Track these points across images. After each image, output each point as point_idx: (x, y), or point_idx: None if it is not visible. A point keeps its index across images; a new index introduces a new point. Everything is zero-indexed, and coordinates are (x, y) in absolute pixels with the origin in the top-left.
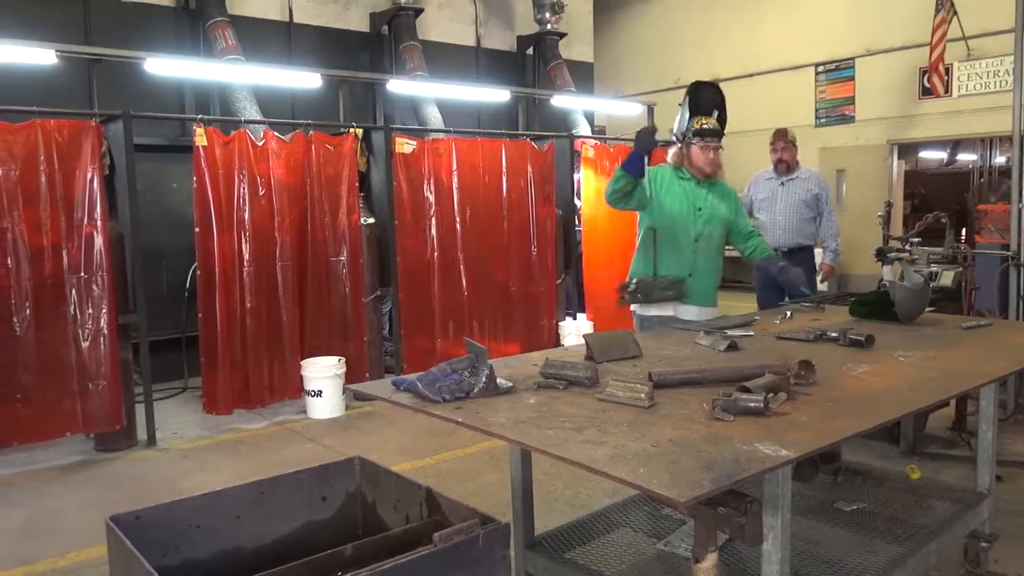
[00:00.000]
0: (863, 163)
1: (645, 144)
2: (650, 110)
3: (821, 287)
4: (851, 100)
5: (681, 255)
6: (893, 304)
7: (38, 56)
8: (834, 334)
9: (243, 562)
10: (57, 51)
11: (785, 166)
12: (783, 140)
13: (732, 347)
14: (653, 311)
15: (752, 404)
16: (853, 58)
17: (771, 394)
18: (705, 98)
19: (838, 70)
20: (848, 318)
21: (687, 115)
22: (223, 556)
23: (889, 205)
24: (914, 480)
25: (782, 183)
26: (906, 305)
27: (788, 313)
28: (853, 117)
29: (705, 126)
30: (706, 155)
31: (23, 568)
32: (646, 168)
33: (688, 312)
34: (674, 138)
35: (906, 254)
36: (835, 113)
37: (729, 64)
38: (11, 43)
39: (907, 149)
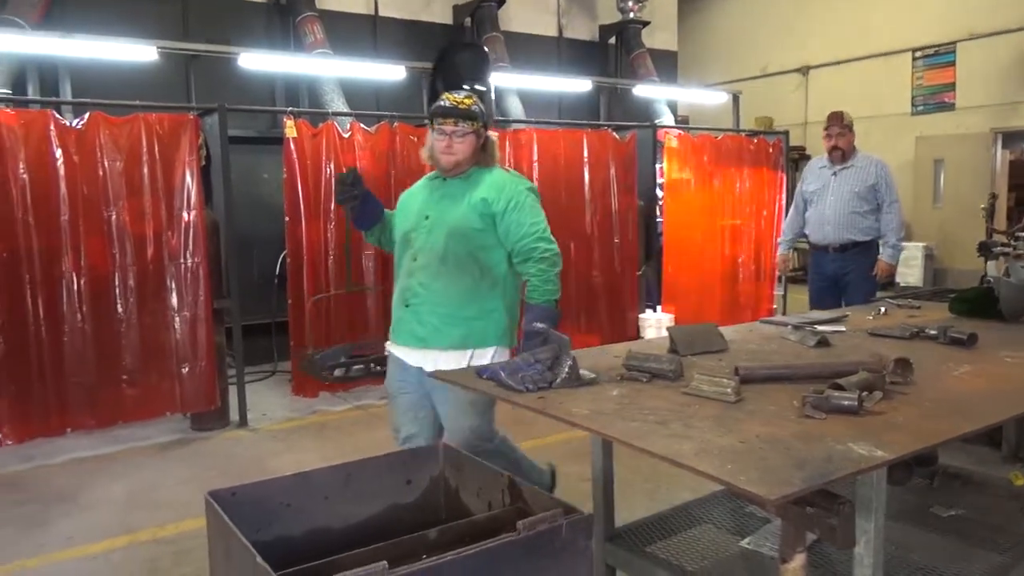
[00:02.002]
0: (963, 153)
1: (340, 198)
2: (735, 99)
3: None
4: (951, 87)
5: (400, 281)
6: (997, 301)
7: (140, 53)
8: (933, 332)
9: (331, 541)
10: (158, 47)
11: (840, 154)
12: (838, 124)
13: (822, 343)
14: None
15: (845, 402)
16: (954, 42)
17: (866, 392)
18: (455, 67)
19: (937, 55)
20: (947, 315)
21: (439, 90)
22: (312, 535)
23: (993, 197)
24: (1017, 487)
25: (834, 173)
26: (1012, 302)
27: (882, 309)
28: (953, 104)
29: (443, 103)
30: (440, 143)
31: (127, 537)
32: (381, 211)
33: (402, 353)
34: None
35: (1012, 248)
36: (933, 100)
37: (819, 51)
38: (114, 41)
39: (1012, 138)
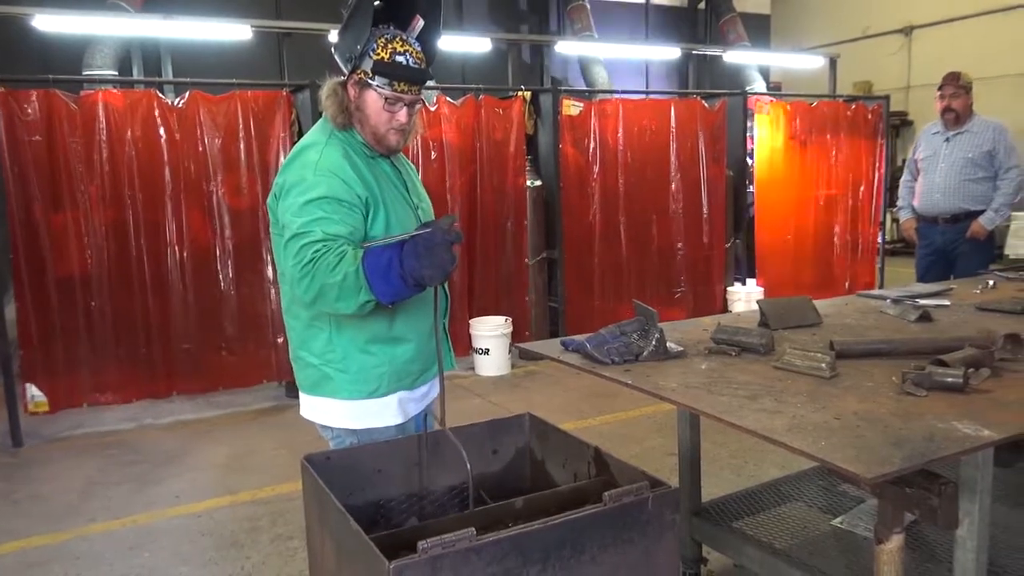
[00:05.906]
0: None
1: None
2: (832, 63)
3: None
4: None
5: (429, 304)
6: None
7: (235, 32)
8: None
9: (421, 507)
10: (252, 26)
11: (954, 116)
12: (953, 85)
13: (924, 317)
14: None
15: (949, 379)
16: None
17: (972, 369)
18: None
19: None
20: None
21: (364, 26)
22: (402, 500)
23: None
24: None
25: (947, 138)
26: None
27: (990, 282)
28: None
29: (400, 57)
30: (393, 115)
31: (229, 497)
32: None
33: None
34: (344, 67)
35: None
36: None
37: (924, 9)
38: (212, 21)
39: None
